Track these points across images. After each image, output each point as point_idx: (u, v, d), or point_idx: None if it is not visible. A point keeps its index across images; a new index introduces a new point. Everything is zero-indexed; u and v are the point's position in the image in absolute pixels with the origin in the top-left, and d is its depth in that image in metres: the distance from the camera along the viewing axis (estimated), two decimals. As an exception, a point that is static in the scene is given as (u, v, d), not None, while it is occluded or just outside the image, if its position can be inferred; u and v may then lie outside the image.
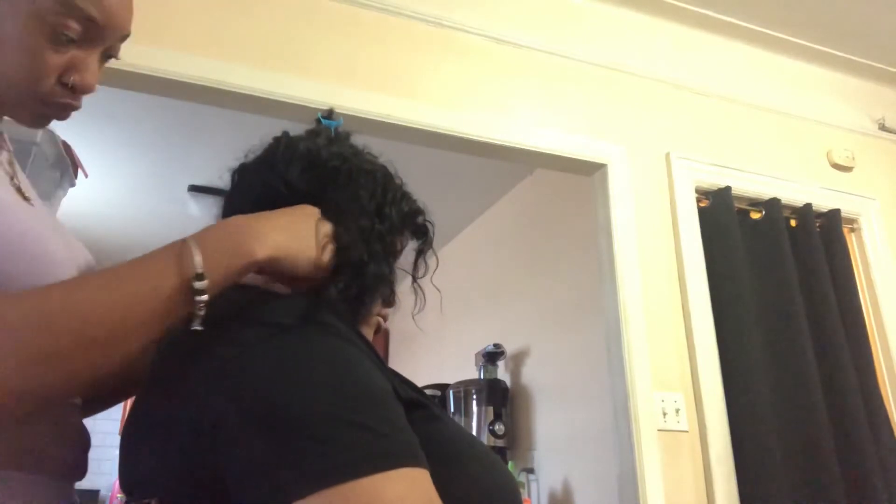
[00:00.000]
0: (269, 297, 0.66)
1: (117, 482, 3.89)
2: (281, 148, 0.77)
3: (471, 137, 2.08)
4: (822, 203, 2.53)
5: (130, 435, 0.66)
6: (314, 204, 0.71)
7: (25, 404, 0.54)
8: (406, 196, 0.80)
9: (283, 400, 0.52)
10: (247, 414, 0.53)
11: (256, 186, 0.76)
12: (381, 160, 0.82)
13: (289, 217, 0.67)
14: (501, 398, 3.18)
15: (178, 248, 0.59)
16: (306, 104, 1.88)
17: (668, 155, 2.36)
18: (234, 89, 1.84)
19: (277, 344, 0.56)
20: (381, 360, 0.61)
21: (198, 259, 0.58)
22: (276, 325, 0.58)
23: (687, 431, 2.03)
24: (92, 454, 0.85)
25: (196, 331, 0.59)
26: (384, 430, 0.52)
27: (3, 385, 0.51)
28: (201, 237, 0.61)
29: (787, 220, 2.45)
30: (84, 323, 0.54)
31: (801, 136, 2.66)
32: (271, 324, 0.58)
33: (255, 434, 0.51)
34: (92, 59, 0.71)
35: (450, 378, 3.43)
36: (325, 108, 0.92)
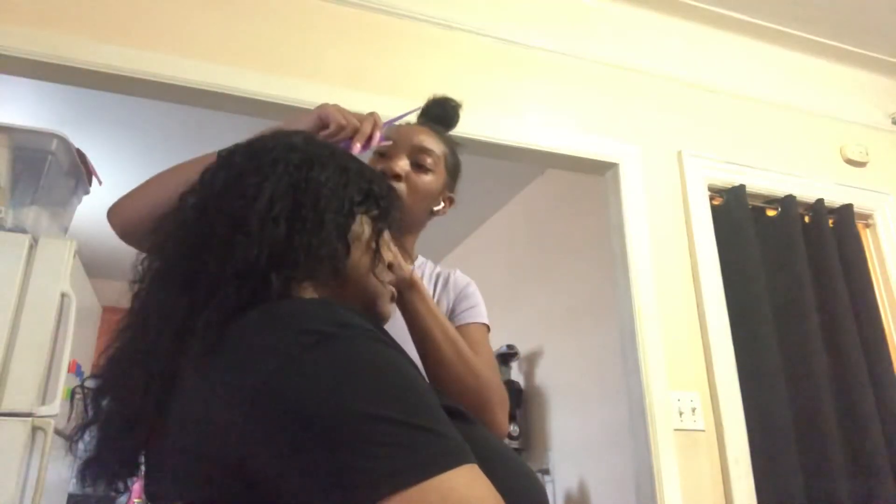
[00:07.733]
0: (287, 300, 0.65)
1: (133, 488, 3.90)
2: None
3: (482, 139, 2.08)
4: (836, 199, 2.51)
5: (158, 446, 0.66)
6: None
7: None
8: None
9: (346, 407, 0.52)
10: (304, 425, 0.52)
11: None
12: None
13: None
14: (515, 399, 3.18)
15: None
16: (317, 108, 1.88)
17: (679, 153, 2.35)
18: (244, 94, 1.85)
19: (325, 352, 0.55)
20: (412, 360, 0.61)
21: None
22: (318, 333, 0.56)
23: (703, 430, 2.02)
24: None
25: (218, 341, 0.59)
26: (442, 431, 0.54)
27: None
28: None
29: (802, 216, 2.44)
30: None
31: (813, 131, 2.64)
32: (311, 331, 0.56)
33: (318, 444, 0.51)
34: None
35: (463, 380, 3.42)
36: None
